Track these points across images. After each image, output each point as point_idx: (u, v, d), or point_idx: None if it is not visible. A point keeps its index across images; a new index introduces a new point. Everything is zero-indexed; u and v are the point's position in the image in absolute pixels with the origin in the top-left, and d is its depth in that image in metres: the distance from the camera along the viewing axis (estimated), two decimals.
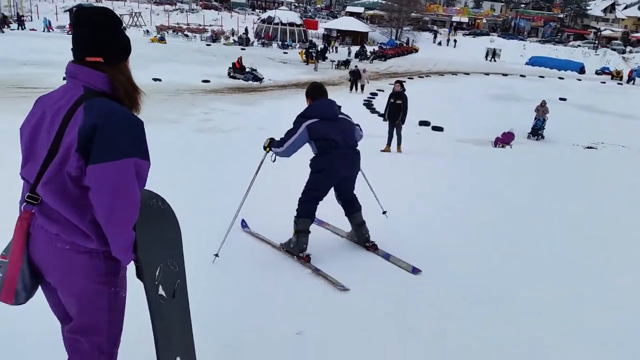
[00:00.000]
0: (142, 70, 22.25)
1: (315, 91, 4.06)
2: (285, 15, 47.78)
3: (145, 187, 1.82)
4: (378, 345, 2.93)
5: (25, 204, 1.69)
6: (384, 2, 60.63)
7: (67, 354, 1.91)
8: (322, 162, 3.93)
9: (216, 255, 3.79)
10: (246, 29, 45.54)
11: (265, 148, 4.07)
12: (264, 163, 4.13)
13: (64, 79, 1.76)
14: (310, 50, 33.52)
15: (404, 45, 51.59)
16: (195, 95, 18.49)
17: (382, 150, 10.67)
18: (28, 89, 17.03)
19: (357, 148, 4.07)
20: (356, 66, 24.42)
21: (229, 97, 18.92)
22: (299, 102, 18.69)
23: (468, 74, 34.65)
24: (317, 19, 60.10)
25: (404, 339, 3.01)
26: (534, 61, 45.49)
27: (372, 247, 4.22)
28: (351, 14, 62.84)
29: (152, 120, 13.31)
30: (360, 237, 4.27)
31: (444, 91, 25.53)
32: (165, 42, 37.89)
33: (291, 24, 46.56)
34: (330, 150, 3.88)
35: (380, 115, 14.17)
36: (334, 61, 32.15)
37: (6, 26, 37.55)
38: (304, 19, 53.74)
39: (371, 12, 63.82)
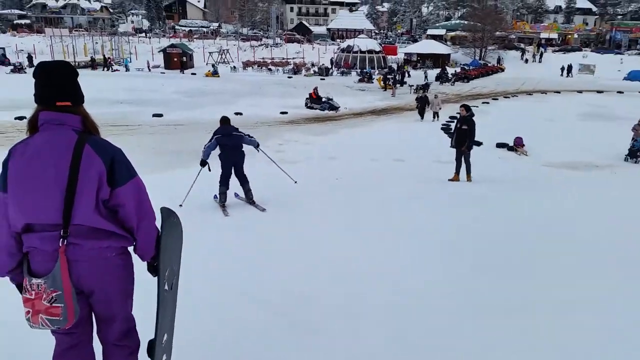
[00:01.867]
0: (227, 104, 23.36)
1: (223, 120, 7.49)
2: (364, 43, 48.15)
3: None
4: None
5: (61, 239, 2.00)
6: (466, 22, 59.29)
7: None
8: (222, 156, 7.41)
9: (180, 205, 7.04)
10: (331, 60, 46.54)
11: (201, 164, 7.37)
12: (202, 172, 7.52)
13: (37, 126, 2.06)
14: (387, 77, 33.36)
15: (489, 65, 49.80)
16: (272, 127, 18.94)
17: (449, 179, 10.12)
18: (120, 127, 18.37)
19: (242, 149, 7.49)
20: (422, 91, 23.21)
21: (305, 127, 19.17)
22: (374, 129, 18.45)
23: (559, 92, 32.59)
24: (396, 45, 59.95)
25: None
26: (633, 76, 41.75)
27: (252, 202, 7.50)
28: (432, 37, 62.10)
29: None
30: (247, 197, 7.59)
31: (531, 111, 24.13)
32: (219, 76, 39.19)
33: (370, 51, 46.83)
34: (226, 150, 7.34)
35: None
36: (412, 86, 31.73)
37: (108, 68, 41.38)
38: (383, 45, 53.87)
39: (453, 33, 62.67)
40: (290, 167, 12.67)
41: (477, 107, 22.23)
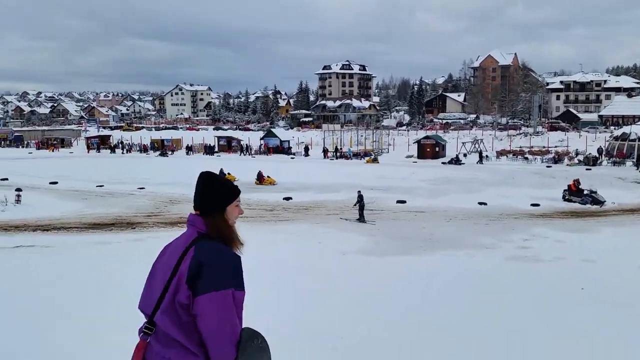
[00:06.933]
0: (474, 193, 22.78)
1: (360, 196, 17.55)
2: None
3: None
4: None
5: (142, 334, 1.98)
6: None
7: None
8: (360, 204, 17.34)
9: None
10: (599, 149, 41.68)
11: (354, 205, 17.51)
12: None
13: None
14: None
15: None
16: (519, 219, 17.37)
17: None
18: (365, 211, 19.42)
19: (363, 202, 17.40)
20: None
21: (558, 222, 16.97)
22: None
23: None
24: None
25: None
26: None
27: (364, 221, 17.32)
28: None
29: (463, 245, 13.12)
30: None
31: None
32: (378, 162, 41.13)
33: None
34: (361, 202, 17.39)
35: None
36: None
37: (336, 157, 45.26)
38: None
39: None
40: (534, 266, 11.22)
41: None
